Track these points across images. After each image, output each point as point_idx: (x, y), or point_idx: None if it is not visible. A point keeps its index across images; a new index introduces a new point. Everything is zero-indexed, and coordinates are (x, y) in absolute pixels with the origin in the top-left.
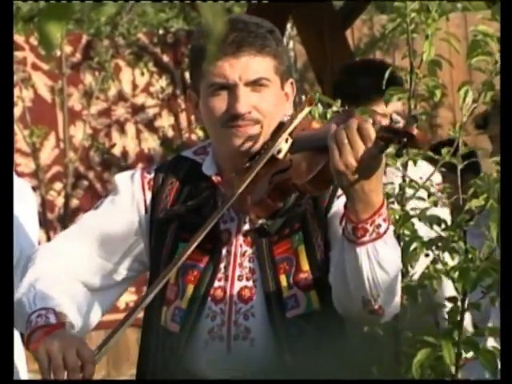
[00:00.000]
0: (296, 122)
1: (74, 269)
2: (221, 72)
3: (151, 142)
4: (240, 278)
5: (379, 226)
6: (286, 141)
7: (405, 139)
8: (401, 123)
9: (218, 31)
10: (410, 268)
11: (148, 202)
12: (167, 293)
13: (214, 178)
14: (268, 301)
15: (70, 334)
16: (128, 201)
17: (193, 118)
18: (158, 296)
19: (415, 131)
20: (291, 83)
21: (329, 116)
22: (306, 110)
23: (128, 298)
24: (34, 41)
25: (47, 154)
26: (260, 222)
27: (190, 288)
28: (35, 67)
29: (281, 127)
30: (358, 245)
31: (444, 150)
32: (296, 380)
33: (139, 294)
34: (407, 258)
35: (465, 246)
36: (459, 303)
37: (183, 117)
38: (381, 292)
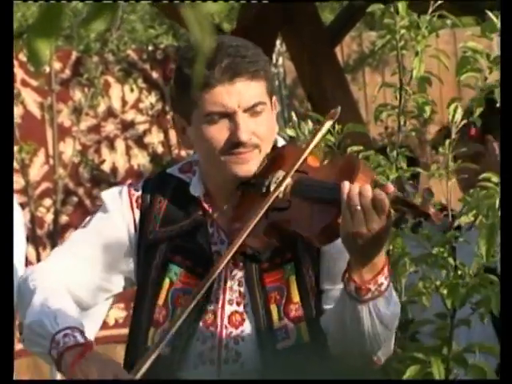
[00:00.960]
0: (317, 139)
1: (69, 286)
2: (218, 100)
3: (141, 159)
4: (230, 302)
5: (381, 284)
6: (284, 177)
7: (421, 218)
8: (411, 193)
9: (206, 48)
10: (398, 285)
11: (137, 220)
12: (155, 315)
13: (202, 199)
14: (258, 331)
15: (105, 356)
16: (118, 219)
17: None
18: (145, 317)
19: (431, 211)
20: (275, 100)
21: None
22: (328, 123)
23: (117, 314)
24: (23, 57)
25: (36, 170)
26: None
27: (180, 311)
28: (24, 83)
29: (276, 152)
30: (359, 302)
31: (433, 166)
32: (296, 380)
33: (128, 310)
34: (396, 273)
35: (454, 262)
36: (448, 319)
37: (173, 133)
38: (381, 346)
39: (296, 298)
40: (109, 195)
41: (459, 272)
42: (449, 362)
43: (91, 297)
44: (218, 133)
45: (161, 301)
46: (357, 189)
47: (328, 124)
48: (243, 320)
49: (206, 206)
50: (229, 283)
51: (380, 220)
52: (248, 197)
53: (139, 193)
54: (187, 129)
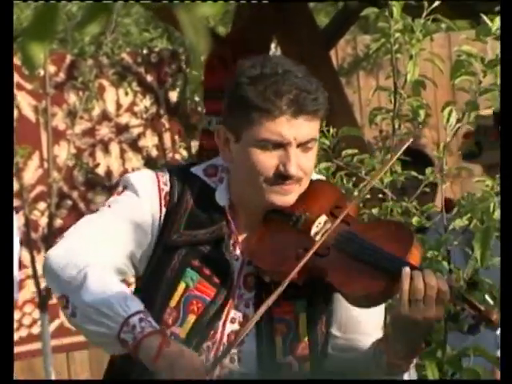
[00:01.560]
0: (369, 187)
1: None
2: (278, 130)
3: (135, 162)
4: (233, 321)
5: (411, 362)
6: (326, 223)
7: (483, 322)
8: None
9: (201, 51)
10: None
11: (163, 217)
12: (165, 315)
13: (227, 209)
14: (260, 360)
15: (184, 348)
16: (148, 213)
17: (176, 137)
18: (155, 316)
19: (494, 317)
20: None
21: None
22: (407, 144)
23: None
24: (17, 60)
25: (31, 173)
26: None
27: (192, 318)
28: (19, 87)
29: (310, 185)
30: (385, 373)
31: (428, 170)
32: (296, 380)
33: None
34: None
35: (449, 265)
36: (442, 323)
37: (167, 137)
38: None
39: (305, 336)
40: (139, 180)
41: (454, 275)
42: (443, 366)
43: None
44: (269, 161)
45: (173, 303)
46: (421, 277)
47: (382, 172)
48: (243, 341)
49: (229, 218)
50: (235, 301)
51: (437, 310)
52: (275, 222)
53: (167, 188)
54: (232, 144)
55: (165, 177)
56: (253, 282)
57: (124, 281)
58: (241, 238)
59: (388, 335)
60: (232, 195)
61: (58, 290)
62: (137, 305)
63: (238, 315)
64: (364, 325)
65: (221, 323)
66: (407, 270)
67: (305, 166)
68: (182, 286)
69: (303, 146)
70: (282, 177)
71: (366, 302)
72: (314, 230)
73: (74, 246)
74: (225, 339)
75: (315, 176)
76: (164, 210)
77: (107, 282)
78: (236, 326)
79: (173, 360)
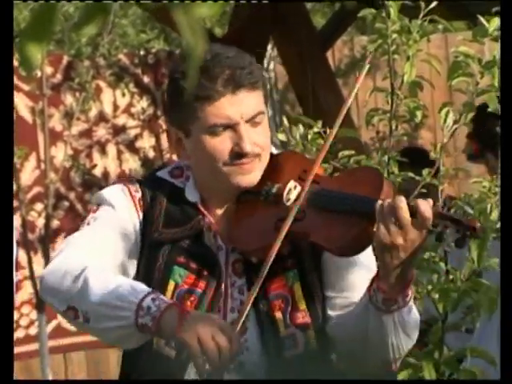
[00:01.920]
0: (327, 146)
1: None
2: (222, 112)
3: (132, 163)
4: (232, 310)
5: (407, 295)
6: (295, 187)
7: (468, 232)
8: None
9: (198, 52)
10: None
11: (142, 221)
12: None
13: (199, 204)
14: (263, 339)
15: (204, 314)
16: (126, 217)
17: None
18: None
19: (478, 224)
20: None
21: (310, 137)
22: (366, 67)
23: None
24: (14, 62)
25: (28, 174)
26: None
27: None
28: (16, 88)
29: (274, 158)
30: (385, 313)
31: (425, 171)
32: (296, 380)
33: None
34: None
35: (445, 266)
36: (440, 324)
37: (164, 138)
38: (402, 355)
39: (302, 305)
40: (112, 193)
41: (451, 276)
42: (440, 366)
43: None
44: (222, 144)
45: None
46: (391, 203)
47: (334, 130)
48: (246, 329)
49: (203, 211)
50: (229, 290)
51: (417, 232)
52: (247, 203)
53: (139, 194)
54: (184, 140)
55: (135, 186)
56: (241, 268)
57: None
58: (219, 227)
59: (378, 271)
60: (200, 190)
61: (62, 303)
62: (144, 288)
63: (236, 303)
64: (356, 281)
65: (221, 315)
66: (379, 202)
67: (259, 140)
68: (171, 284)
69: (251, 121)
70: (238, 156)
71: (352, 249)
72: (285, 197)
73: (65, 260)
74: None
75: (276, 151)
76: (141, 213)
77: (107, 278)
78: (236, 315)
79: (196, 323)
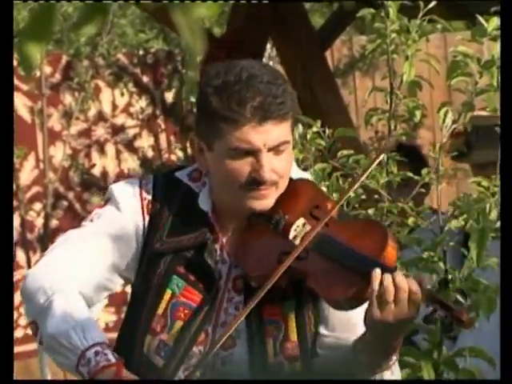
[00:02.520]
0: (368, 171)
1: (77, 285)
2: (246, 138)
3: (131, 163)
4: (223, 325)
5: (391, 360)
6: (304, 225)
7: (454, 322)
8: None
9: (197, 52)
10: None
11: (146, 225)
12: (153, 323)
13: (210, 214)
14: (252, 361)
15: (134, 378)
16: (129, 221)
17: (172, 138)
18: (142, 323)
19: (465, 317)
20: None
21: (309, 136)
22: (381, 157)
23: (108, 318)
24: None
25: (27, 174)
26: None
27: (178, 324)
28: (15, 88)
29: (291, 185)
30: (366, 373)
31: (424, 171)
32: (296, 380)
33: (119, 314)
34: None
35: (444, 266)
36: (439, 324)
37: (163, 137)
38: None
39: (294, 336)
40: (121, 193)
41: (450, 276)
42: (439, 366)
43: (95, 295)
44: (241, 168)
45: (160, 310)
46: (391, 280)
47: (367, 172)
48: (234, 344)
49: (213, 222)
50: (224, 305)
51: (409, 311)
52: (256, 226)
53: (150, 196)
54: (206, 152)
55: (149, 185)
56: (241, 285)
57: (107, 290)
58: (226, 240)
59: (364, 335)
60: (214, 200)
61: (30, 315)
62: (95, 336)
63: (229, 319)
64: (350, 322)
65: (210, 328)
66: (377, 271)
67: (278, 168)
68: (168, 293)
69: (274, 149)
70: (256, 183)
71: (346, 304)
72: (292, 233)
73: (48, 268)
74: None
75: (298, 174)
76: (147, 217)
77: (71, 311)
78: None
79: None
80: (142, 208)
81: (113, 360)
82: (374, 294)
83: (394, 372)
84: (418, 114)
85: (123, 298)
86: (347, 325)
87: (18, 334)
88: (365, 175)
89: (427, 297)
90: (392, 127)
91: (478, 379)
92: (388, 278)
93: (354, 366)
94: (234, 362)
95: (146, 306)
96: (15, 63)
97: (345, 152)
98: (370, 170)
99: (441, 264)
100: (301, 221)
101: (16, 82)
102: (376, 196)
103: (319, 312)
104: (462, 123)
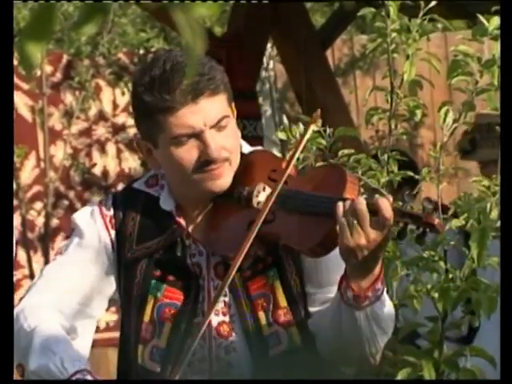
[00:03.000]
0: (303, 142)
1: (56, 317)
2: (184, 122)
3: (132, 162)
4: (216, 313)
5: (378, 290)
6: (264, 189)
7: (426, 228)
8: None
9: (198, 51)
10: (389, 288)
11: (113, 240)
12: (142, 332)
13: (174, 213)
14: (248, 339)
15: None
16: (95, 242)
17: None
18: (133, 334)
19: (436, 221)
20: (233, 106)
21: (309, 136)
22: (312, 128)
23: (108, 317)
24: (14, 60)
25: (27, 173)
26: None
27: (168, 326)
28: (15, 87)
29: (245, 159)
30: (357, 309)
31: (424, 170)
32: (296, 380)
33: (119, 313)
34: (388, 277)
35: (445, 265)
36: (439, 323)
37: None
38: (379, 349)
39: (283, 302)
40: (82, 218)
41: (450, 275)
42: (440, 366)
43: (78, 324)
44: (188, 153)
45: (147, 317)
46: (351, 204)
47: (311, 129)
48: (231, 330)
49: (179, 219)
50: (212, 293)
51: (379, 231)
52: (221, 206)
53: (111, 212)
54: (154, 151)
55: (108, 202)
56: (223, 271)
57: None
58: (197, 233)
59: (345, 272)
60: (176, 198)
61: (15, 358)
62: (74, 365)
63: (220, 306)
64: (335, 275)
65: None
66: (339, 203)
67: (226, 144)
68: (150, 299)
69: (216, 126)
70: (207, 163)
71: (323, 249)
72: (254, 200)
73: (26, 309)
74: (214, 332)
75: (249, 149)
76: (113, 232)
77: (49, 344)
78: (221, 317)
79: None
80: (106, 224)
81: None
82: (341, 223)
83: (384, 303)
84: (418, 113)
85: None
86: (331, 279)
87: None
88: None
89: (395, 213)
90: (393, 126)
91: (478, 379)
92: (348, 204)
93: (340, 312)
94: (237, 350)
95: (132, 317)
96: (16, 62)
97: (345, 151)
98: (304, 141)
99: (441, 263)
100: (260, 186)
101: (17, 81)
102: (377, 196)
103: (302, 272)
104: (462, 122)
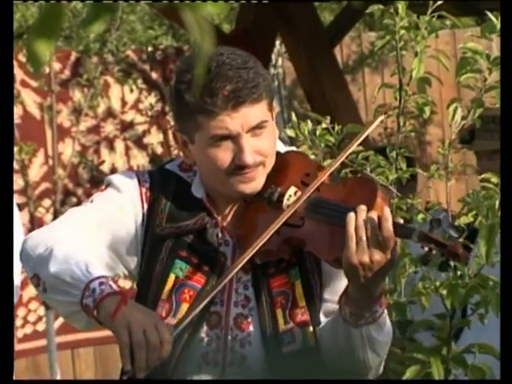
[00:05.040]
0: (368, 131)
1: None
2: (222, 125)
3: (140, 159)
4: (236, 305)
5: (376, 312)
6: (295, 193)
7: (449, 257)
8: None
9: (206, 49)
10: (398, 285)
11: (145, 214)
12: (158, 309)
13: (205, 200)
14: (264, 334)
15: (144, 308)
16: (130, 208)
17: None
18: (150, 309)
19: (460, 251)
20: (274, 106)
21: (318, 133)
22: (380, 118)
23: None
24: (22, 58)
25: (36, 170)
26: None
27: (185, 307)
28: (24, 84)
29: (280, 159)
30: (352, 327)
31: (433, 167)
32: (296, 380)
33: None
34: (396, 274)
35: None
36: (448, 320)
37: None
38: (370, 371)
39: (302, 302)
40: (122, 178)
41: (459, 272)
42: (448, 363)
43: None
44: (223, 155)
45: (164, 295)
46: (362, 218)
47: (381, 118)
48: (249, 323)
49: (209, 207)
50: (234, 285)
51: (386, 253)
52: (252, 204)
53: (148, 185)
54: (189, 145)
55: (145, 175)
56: (248, 265)
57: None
58: (226, 223)
59: (346, 288)
60: (206, 187)
61: (30, 270)
62: (98, 271)
63: (240, 298)
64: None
65: (224, 309)
66: (351, 214)
67: (261, 148)
68: (171, 278)
69: (253, 131)
70: (240, 167)
71: (347, 272)
72: (285, 202)
73: (47, 231)
74: (231, 323)
75: (284, 148)
76: (146, 206)
77: (72, 252)
78: (240, 309)
79: (132, 315)
80: (141, 196)
81: (118, 289)
82: (349, 235)
83: (381, 325)
84: (427, 110)
85: (131, 294)
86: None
87: (27, 330)
88: (360, 139)
89: (420, 237)
90: (401, 123)
91: (478, 379)
92: (360, 218)
93: (338, 326)
94: (252, 344)
95: (150, 294)
96: (24, 59)
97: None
98: (367, 133)
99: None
100: (292, 189)
101: (25, 78)
102: None
103: (322, 278)
104: (471, 119)
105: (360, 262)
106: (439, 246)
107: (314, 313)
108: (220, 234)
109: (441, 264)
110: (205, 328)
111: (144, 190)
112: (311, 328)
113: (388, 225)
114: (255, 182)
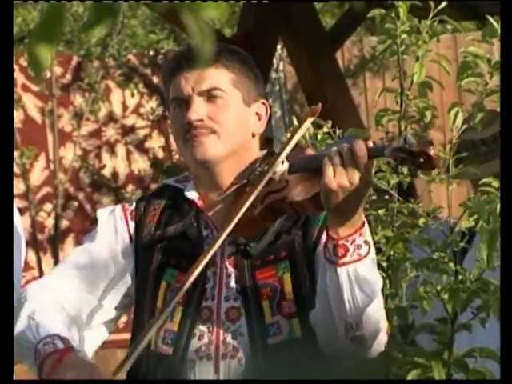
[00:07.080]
0: (299, 134)
1: (64, 304)
2: (177, 87)
3: (141, 164)
4: (227, 299)
5: (360, 246)
6: (283, 163)
7: (421, 159)
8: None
9: (206, 53)
10: (399, 289)
11: (132, 231)
12: (155, 317)
13: (196, 200)
14: (250, 326)
15: (81, 360)
16: (111, 234)
17: None
18: (147, 320)
19: (432, 151)
20: (263, 103)
21: (319, 137)
22: (309, 120)
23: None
24: (23, 62)
25: (37, 175)
26: (243, 242)
27: (179, 310)
28: (25, 88)
29: (270, 154)
30: (338, 265)
31: (434, 172)
32: (296, 380)
33: (129, 314)
34: (397, 278)
35: (455, 266)
36: (449, 324)
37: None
38: (362, 316)
39: (290, 295)
40: (102, 212)
41: (460, 277)
42: (449, 367)
43: (88, 315)
44: (178, 117)
45: (159, 303)
46: (336, 148)
47: (308, 122)
48: (240, 315)
49: (200, 205)
50: (225, 280)
51: (361, 174)
52: (242, 193)
53: (133, 207)
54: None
55: (133, 200)
56: (235, 261)
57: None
58: (217, 221)
59: (327, 223)
60: (198, 188)
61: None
62: (47, 330)
63: (231, 292)
64: None
65: (215, 303)
66: (325, 150)
67: (214, 115)
68: (163, 285)
69: (206, 94)
70: (188, 128)
71: (319, 204)
72: (275, 175)
73: (39, 280)
74: (223, 317)
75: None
76: (132, 223)
77: (34, 314)
78: (232, 303)
79: (65, 372)
80: (125, 217)
81: (60, 347)
82: (325, 164)
83: (367, 265)
84: (428, 114)
85: (73, 348)
86: None
87: None
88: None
89: (392, 151)
90: (402, 128)
91: (478, 379)
92: (333, 149)
93: (326, 269)
94: (243, 334)
95: (146, 304)
96: (25, 64)
97: None
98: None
99: (451, 264)
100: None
101: (26, 82)
102: (386, 196)
103: (314, 268)
104: (472, 124)
105: (339, 185)
106: (411, 155)
107: (302, 305)
108: (210, 234)
109: (412, 171)
110: (198, 323)
111: (129, 211)
112: (298, 320)
113: (359, 143)
114: (204, 148)
